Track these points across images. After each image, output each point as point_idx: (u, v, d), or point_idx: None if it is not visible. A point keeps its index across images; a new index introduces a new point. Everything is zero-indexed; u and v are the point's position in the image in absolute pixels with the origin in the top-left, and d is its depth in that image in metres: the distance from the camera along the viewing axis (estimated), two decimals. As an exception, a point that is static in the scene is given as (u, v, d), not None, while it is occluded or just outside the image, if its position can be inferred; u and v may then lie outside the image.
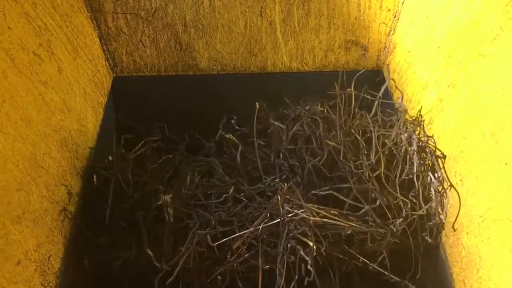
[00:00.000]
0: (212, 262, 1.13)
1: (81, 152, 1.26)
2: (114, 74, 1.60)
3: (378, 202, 1.13)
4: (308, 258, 1.05)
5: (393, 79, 1.51)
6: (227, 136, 1.33)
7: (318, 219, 1.07)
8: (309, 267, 1.06)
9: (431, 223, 1.16)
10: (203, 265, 1.13)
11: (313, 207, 1.12)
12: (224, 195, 1.21)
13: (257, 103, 1.28)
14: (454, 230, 1.10)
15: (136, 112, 1.66)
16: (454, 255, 1.09)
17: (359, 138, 1.24)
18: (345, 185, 1.18)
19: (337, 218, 1.10)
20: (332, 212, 1.13)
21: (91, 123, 1.37)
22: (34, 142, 1.00)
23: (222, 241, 1.10)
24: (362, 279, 1.28)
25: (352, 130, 1.27)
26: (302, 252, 1.06)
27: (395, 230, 1.10)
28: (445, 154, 1.17)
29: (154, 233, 1.16)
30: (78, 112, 1.27)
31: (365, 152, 1.22)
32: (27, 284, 0.92)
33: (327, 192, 1.18)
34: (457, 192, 1.10)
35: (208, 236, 1.10)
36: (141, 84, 1.62)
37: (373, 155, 1.20)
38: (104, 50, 1.51)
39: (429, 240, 1.16)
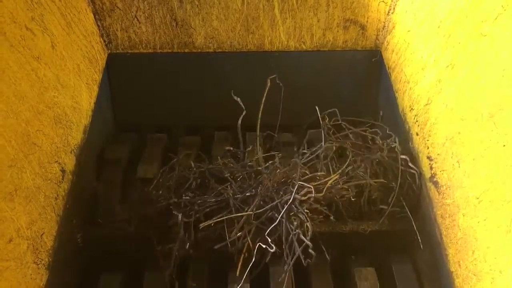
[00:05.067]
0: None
1: (75, 129, 1.25)
2: (109, 51, 1.57)
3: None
4: (308, 242, 1.08)
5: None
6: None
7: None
8: (310, 250, 1.09)
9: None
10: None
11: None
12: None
13: (268, 79, 1.33)
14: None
15: (131, 90, 1.65)
16: (449, 236, 1.09)
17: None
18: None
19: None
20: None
21: (85, 100, 1.35)
22: (26, 118, 0.99)
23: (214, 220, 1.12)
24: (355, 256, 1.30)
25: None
26: (301, 236, 1.09)
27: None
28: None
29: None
30: (72, 89, 1.25)
31: None
32: (19, 261, 0.91)
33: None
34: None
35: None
36: (136, 61, 1.59)
37: None
38: (98, 26, 1.48)
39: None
